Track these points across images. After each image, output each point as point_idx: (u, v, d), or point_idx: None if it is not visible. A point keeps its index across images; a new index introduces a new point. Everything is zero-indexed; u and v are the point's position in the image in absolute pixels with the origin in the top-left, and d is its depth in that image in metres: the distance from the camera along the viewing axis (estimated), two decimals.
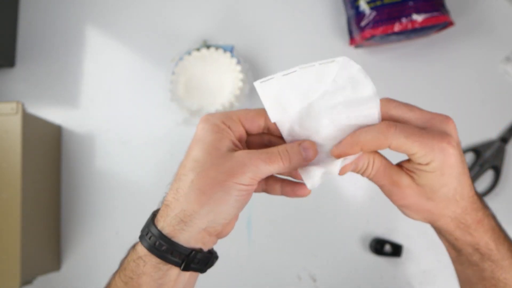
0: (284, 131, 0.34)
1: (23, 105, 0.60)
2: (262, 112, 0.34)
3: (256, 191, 0.35)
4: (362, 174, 0.35)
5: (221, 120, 0.33)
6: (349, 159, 0.33)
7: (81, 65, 0.76)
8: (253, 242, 0.70)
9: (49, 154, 0.71)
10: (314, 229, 0.70)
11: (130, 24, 0.77)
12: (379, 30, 0.66)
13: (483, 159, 0.68)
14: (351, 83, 0.32)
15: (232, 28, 0.76)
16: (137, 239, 0.34)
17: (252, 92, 0.72)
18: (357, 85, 0.32)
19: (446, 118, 0.33)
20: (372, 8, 0.67)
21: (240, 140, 0.34)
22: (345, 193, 0.71)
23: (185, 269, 0.32)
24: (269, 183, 0.36)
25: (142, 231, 0.34)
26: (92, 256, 0.71)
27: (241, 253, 0.70)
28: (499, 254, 0.35)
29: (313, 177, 0.33)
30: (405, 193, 0.34)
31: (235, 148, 0.33)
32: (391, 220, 0.69)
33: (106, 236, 0.71)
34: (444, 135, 0.31)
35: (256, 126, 0.34)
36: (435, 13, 0.65)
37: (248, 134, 0.35)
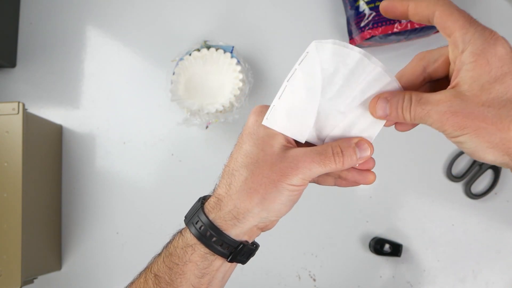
0: (317, 142, 0.34)
1: (24, 105, 0.60)
2: None
3: None
4: (403, 113, 0.30)
5: None
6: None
7: (82, 65, 0.77)
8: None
9: (50, 154, 0.71)
10: (314, 229, 0.70)
11: (130, 24, 0.77)
12: (379, 31, 0.66)
13: None
14: (342, 61, 0.31)
15: (232, 29, 0.76)
16: (182, 225, 0.34)
17: (252, 92, 0.72)
18: (346, 58, 0.31)
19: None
20: (371, 9, 0.67)
21: None
22: (345, 193, 0.71)
23: (231, 260, 0.33)
24: (322, 176, 0.35)
25: (190, 217, 0.34)
26: (92, 256, 0.71)
27: None
28: None
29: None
30: (445, 107, 0.27)
31: (287, 145, 0.32)
32: (390, 220, 0.69)
33: (106, 236, 0.71)
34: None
35: None
36: None
37: None
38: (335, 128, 0.33)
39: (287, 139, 0.33)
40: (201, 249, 0.32)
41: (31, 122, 0.63)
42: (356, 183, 0.35)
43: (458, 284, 0.67)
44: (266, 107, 0.33)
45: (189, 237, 0.33)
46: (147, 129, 0.74)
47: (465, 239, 0.69)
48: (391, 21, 0.66)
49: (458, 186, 0.70)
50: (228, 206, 0.32)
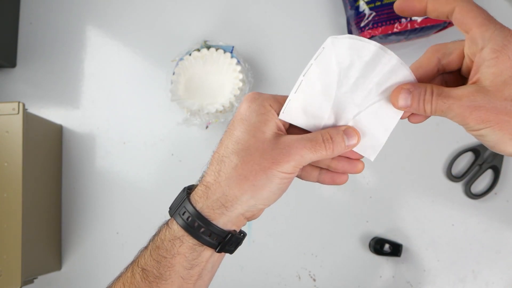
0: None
1: (24, 105, 0.60)
2: None
3: None
4: (425, 106, 0.30)
5: (267, 101, 0.33)
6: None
7: (82, 65, 0.77)
8: (253, 242, 0.70)
9: (50, 154, 0.71)
10: (314, 229, 0.70)
11: (130, 24, 0.77)
12: (379, 31, 0.66)
13: (483, 159, 0.69)
14: (357, 54, 0.31)
15: (232, 29, 0.76)
16: (167, 216, 0.34)
17: None
18: (362, 51, 0.31)
19: None
20: (371, 9, 0.67)
21: (284, 124, 0.33)
22: (345, 193, 0.71)
23: (220, 251, 0.33)
24: (306, 169, 0.35)
25: (175, 208, 0.34)
26: (92, 256, 0.71)
27: (241, 253, 0.70)
28: None
29: (374, 146, 0.33)
30: (467, 101, 0.28)
31: (279, 132, 0.32)
32: (390, 220, 0.69)
33: (106, 236, 0.71)
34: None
35: None
36: None
37: None
38: (350, 121, 0.33)
39: (279, 127, 0.33)
40: (189, 240, 0.32)
41: (31, 122, 0.63)
42: (344, 175, 0.35)
43: (458, 284, 0.68)
44: (259, 94, 0.33)
45: (176, 229, 0.32)
46: (147, 129, 0.74)
47: (465, 239, 0.69)
48: (391, 21, 0.66)
49: (458, 186, 0.70)
50: (216, 194, 0.31)
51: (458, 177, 0.69)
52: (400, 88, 0.31)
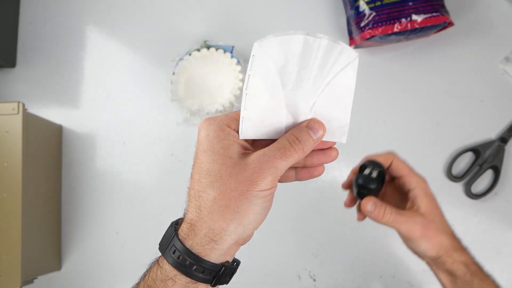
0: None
1: (24, 105, 0.60)
2: None
3: None
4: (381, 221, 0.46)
5: (224, 124, 0.32)
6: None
7: (82, 65, 0.77)
8: (253, 242, 0.70)
9: (50, 154, 0.71)
10: (314, 229, 0.70)
11: (130, 24, 0.77)
12: (379, 31, 0.66)
13: (483, 159, 0.69)
14: (288, 49, 0.31)
15: (232, 29, 0.76)
16: (157, 253, 0.33)
17: None
18: (291, 44, 0.31)
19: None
20: (371, 9, 0.67)
21: (248, 140, 0.33)
22: (345, 193, 0.71)
23: (215, 284, 0.32)
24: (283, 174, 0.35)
25: (165, 245, 0.32)
26: (92, 256, 0.71)
27: (242, 253, 0.70)
28: (481, 273, 0.48)
29: (341, 127, 0.33)
30: (416, 221, 0.46)
31: (245, 151, 0.32)
32: None
33: (106, 236, 0.71)
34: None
35: None
36: (434, 14, 0.65)
37: None
38: (309, 113, 0.33)
39: (243, 146, 0.32)
40: (182, 279, 0.31)
41: (31, 122, 0.63)
42: (320, 166, 0.35)
43: None
44: (212, 119, 0.32)
45: (168, 269, 0.31)
46: (147, 129, 0.74)
47: (465, 239, 0.69)
48: (391, 21, 0.66)
49: (458, 186, 0.70)
50: (202, 230, 0.30)
51: (459, 177, 0.69)
52: (369, 199, 0.46)
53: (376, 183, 0.47)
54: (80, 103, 0.76)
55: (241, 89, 0.68)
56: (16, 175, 0.59)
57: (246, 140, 0.33)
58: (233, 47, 0.70)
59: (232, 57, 0.69)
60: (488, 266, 0.70)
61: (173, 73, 0.69)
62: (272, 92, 0.31)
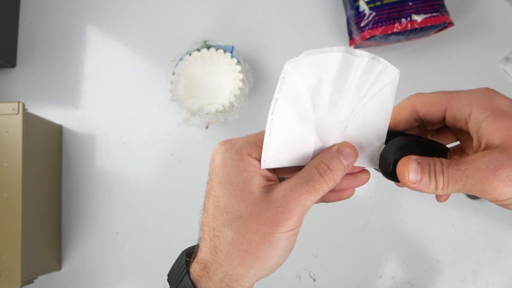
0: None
1: (24, 105, 0.60)
2: None
3: None
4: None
5: (243, 152, 0.28)
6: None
7: (82, 65, 0.77)
8: None
9: (50, 154, 0.71)
10: (314, 229, 0.70)
11: (130, 24, 0.77)
12: (379, 31, 0.66)
13: None
14: (322, 69, 0.27)
15: (232, 29, 0.76)
16: None
17: (252, 92, 0.72)
18: (326, 63, 0.27)
19: None
20: (371, 9, 0.67)
21: (270, 169, 0.29)
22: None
23: None
24: None
25: (175, 282, 0.29)
26: (92, 256, 0.71)
27: None
28: None
29: (374, 153, 0.30)
30: (490, 166, 0.24)
31: (268, 183, 0.28)
32: (391, 220, 0.69)
33: (106, 236, 0.71)
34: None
35: None
36: (434, 14, 0.65)
37: None
38: (340, 138, 0.29)
39: (266, 177, 0.28)
40: None
41: (31, 122, 0.63)
42: (349, 190, 0.32)
43: (458, 284, 0.67)
44: (229, 144, 0.28)
45: None
46: (147, 129, 0.74)
47: (465, 239, 0.69)
48: (391, 21, 0.66)
49: None
50: (218, 274, 0.27)
51: None
52: (408, 158, 0.27)
53: (396, 153, 0.31)
54: (80, 103, 0.76)
55: (241, 89, 0.68)
56: (16, 175, 0.59)
57: (270, 170, 0.29)
58: (233, 47, 0.70)
59: (232, 57, 0.69)
60: (488, 266, 0.69)
61: (173, 73, 0.69)
62: (302, 116, 0.28)
